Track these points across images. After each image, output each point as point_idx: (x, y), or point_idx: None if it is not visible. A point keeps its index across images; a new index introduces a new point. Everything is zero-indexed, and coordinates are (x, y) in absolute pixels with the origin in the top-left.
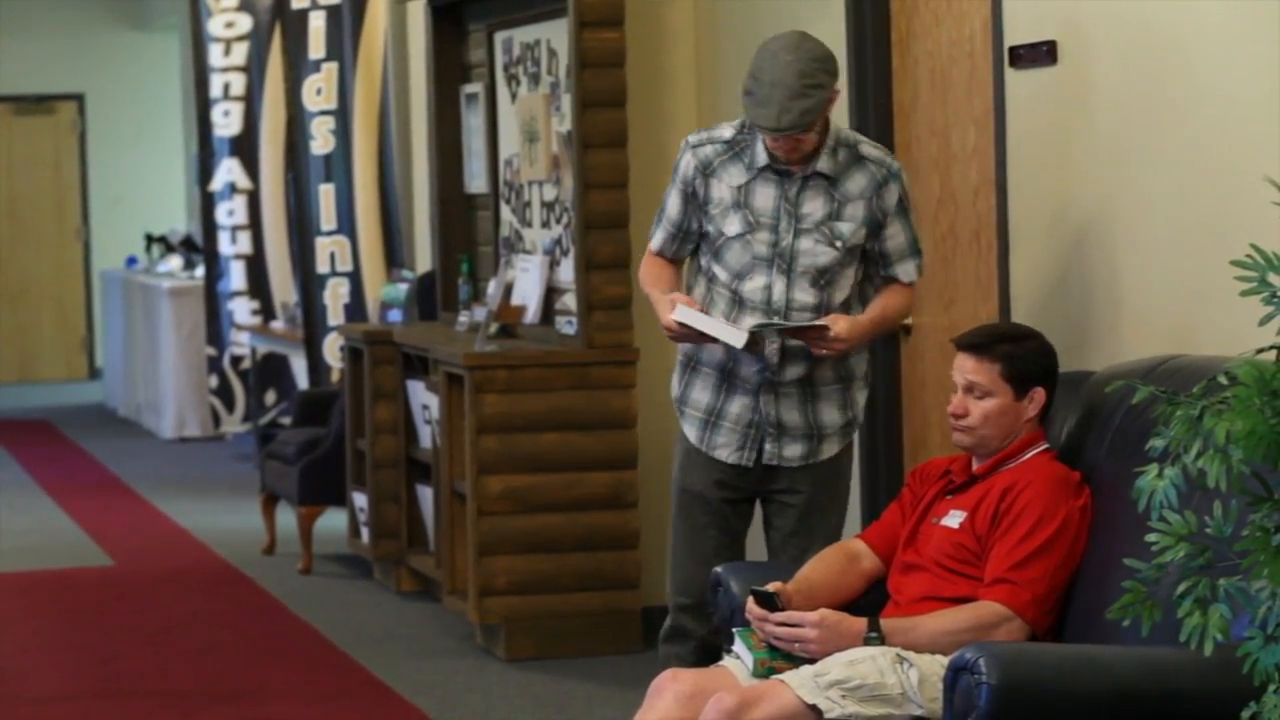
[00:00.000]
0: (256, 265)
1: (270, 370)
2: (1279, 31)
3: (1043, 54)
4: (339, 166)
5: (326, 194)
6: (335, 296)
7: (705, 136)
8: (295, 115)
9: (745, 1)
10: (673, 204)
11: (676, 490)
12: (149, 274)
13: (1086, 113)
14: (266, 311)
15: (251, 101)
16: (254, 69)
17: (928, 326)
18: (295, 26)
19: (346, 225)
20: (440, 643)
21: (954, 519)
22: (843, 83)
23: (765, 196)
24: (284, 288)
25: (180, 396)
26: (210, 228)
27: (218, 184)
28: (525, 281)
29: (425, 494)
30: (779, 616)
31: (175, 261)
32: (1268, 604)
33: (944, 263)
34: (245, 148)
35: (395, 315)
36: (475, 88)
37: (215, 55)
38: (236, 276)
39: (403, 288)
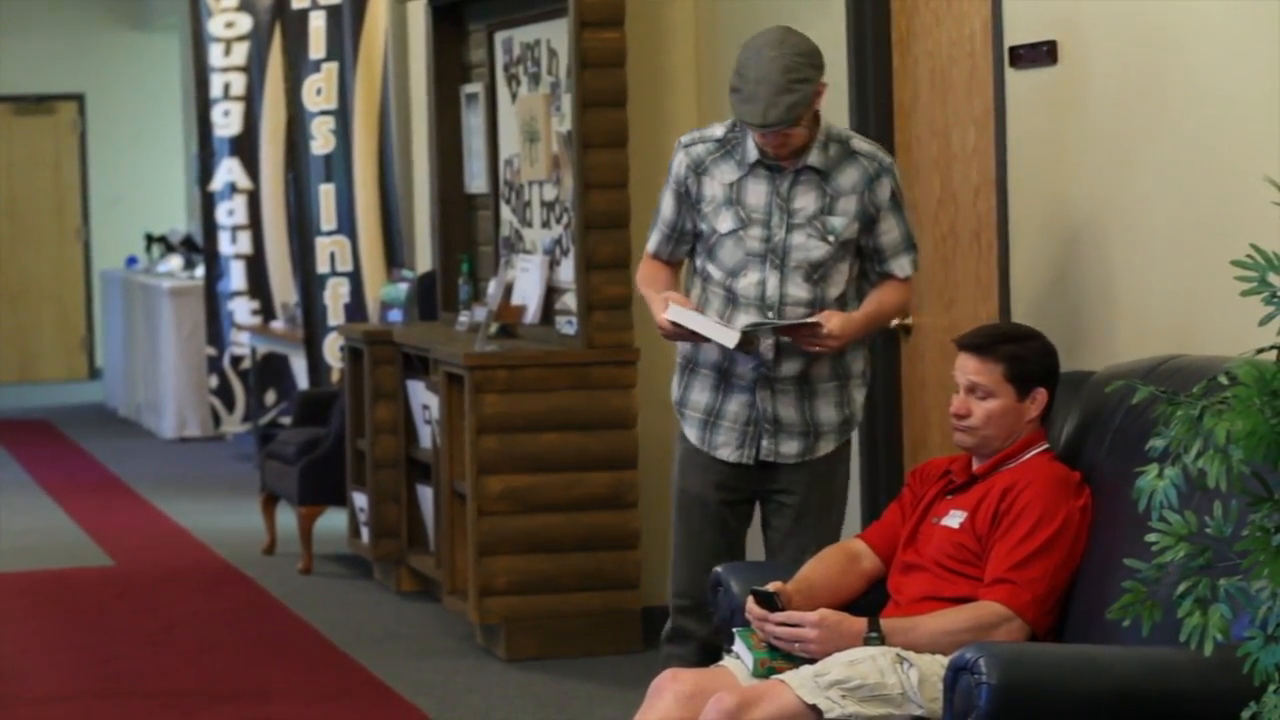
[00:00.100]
0: (257, 265)
1: (270, 370)
2: (1279, 31)
3: (1043, 54)
4: (339, 166)
5: (327, 194)
6: (335, 296)
7: (697, 136)
8: (295, 115)
9: (745, 1)
10: (667, 205)
11: (676, 493)
12: (149, 274)
13: (1086, 113)
14: (266, 311)
15: (252, 101)
16: (254, 69)
17: (928, 326)
18: (295, 26)
19: (347, 225)
20: (440, 643)
21: (954, 519)
22: (843, 83)
23: (757, 192)
24: (284, 288)
25: (180, 396)
26: (210, 228)
27: (218, 184)
28: (525, 281)
29: (425, 494)
30: (779, 616)
31: (175, 261)
32: (1268, 604)
33: (944, 263)
34: (245, 148)
35: (395, 315)
36: (475, 88)
37: (215, 55)
38: (236, 276)
39: (403, 288)
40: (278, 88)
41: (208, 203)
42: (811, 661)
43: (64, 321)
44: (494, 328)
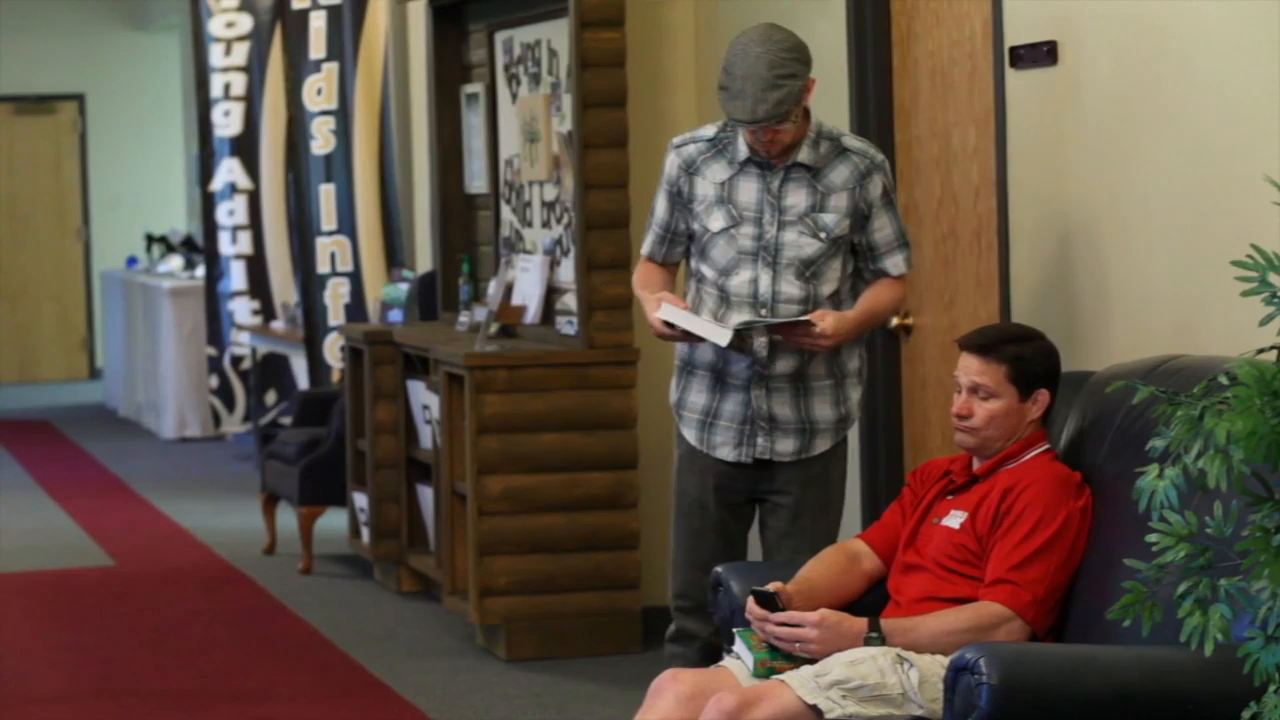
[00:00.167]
0: (257, 265)
1: (271, 370)
2: (1279, 31)
3: (1043, 54)
4: (339, 166)
5: (327, 194)
6: (336, 296)
7: (688, 136)
8: (296, 115)
9: (745, 1)
10: (660, 206)
11: (675, 495)
12: (149, 274)
13: (1087, 113)
14: (267, 311)
15: (252, 101)
16: (254, 69)
17: (928, 326)
18: (296, 26)
19: (347, 225)
20: (440, 643)
21: (954, 519)
22: (842, 83)
23: (748, 190)
24: (284, 288)
25: (181, 396)
26: (210, 228)
27: (218, 184)
28: (525, 281)
29: (425, 494)
30: (779, 616)
31: (175, 261)
32: (1268, 604)
33: (944, 263)
34: (246, 148)
35: (396, 315)
36: (476, 88)
37: (216, 55)
38: (237, 276)
39: (403, 288)
40: (278, 88)
41: (208, 203)
42: (812, 662)
43: (64, 321)
44: (494, 328)
